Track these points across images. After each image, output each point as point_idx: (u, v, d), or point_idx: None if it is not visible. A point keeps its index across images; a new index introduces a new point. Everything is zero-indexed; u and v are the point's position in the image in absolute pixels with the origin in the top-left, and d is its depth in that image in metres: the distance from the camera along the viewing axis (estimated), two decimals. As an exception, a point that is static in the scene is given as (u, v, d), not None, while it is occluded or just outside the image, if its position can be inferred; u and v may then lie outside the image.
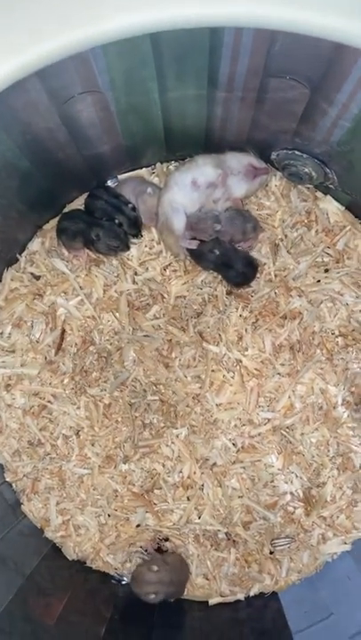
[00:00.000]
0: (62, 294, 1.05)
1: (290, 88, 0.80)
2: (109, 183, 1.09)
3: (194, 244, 1.00)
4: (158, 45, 0.70)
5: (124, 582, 1.04)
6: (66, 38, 0.54)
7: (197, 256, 1.02)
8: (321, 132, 0.88)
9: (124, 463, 1.03)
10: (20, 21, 0.54)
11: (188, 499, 1.02)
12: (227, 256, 1.01)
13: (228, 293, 1.05)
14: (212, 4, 0.49)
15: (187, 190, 1.00)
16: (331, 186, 1.02)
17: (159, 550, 1.03)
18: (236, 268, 1.01)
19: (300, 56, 0.73)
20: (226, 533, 1.02)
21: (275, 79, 0.78)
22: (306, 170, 0.98)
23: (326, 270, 1.05)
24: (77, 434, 1.05)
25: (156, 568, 0.95)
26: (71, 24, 0.53)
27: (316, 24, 0.48)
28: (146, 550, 1.02)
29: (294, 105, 0.84)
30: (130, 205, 1.03)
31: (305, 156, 0.96)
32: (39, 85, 0.71)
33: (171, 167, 1.08)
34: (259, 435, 1.02)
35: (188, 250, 1.02)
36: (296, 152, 0.96)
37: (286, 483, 1.02)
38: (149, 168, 1.09)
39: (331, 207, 1.05)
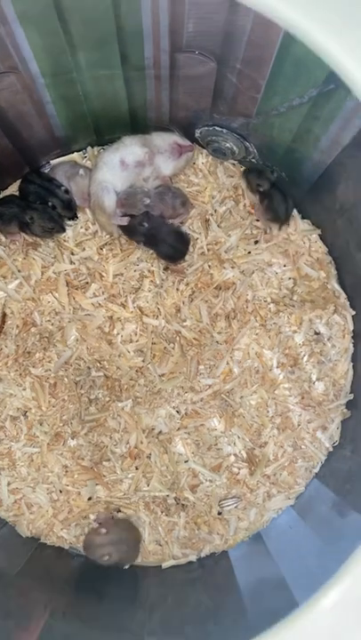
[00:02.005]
0: (1, 278, 1.07)
1: (199, 63, 0.85)
2: (43, 169, 1.12)
3: (125, 220, 1.04)
4: (63, 15, 0.73)
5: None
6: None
7: (129, 230, 1.06)
8: (234, 105, 0.93)
9: (73, 439, 1.06)
10: None
11: (137, 468, 1.05)
12: (157, 229, 1.05)
13: (165, 269, 1.09)
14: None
15: (116, 170, 1.03)
16: (253, 160, 1.07)
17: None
18: (167, 242, 1.05)
19: (204, 30, 0.78)
20: (175, 498, 1.05)
21: (183, 54, 0.83)
22: (227, 145, 1.04)
23: (256, 242, 1.10)
24: (25, 414, 1.07)
25: (104, 530, 0.98)
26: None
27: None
28: (98, 522, 1.04)
29: (206, 80, 0.89)
30: (63, 188, 1.06)
31: (225, 131, 1.01)
32: None
33: (102, 150, 1.12)
34: (201, 400, 1.06)
35: (120, 227, 1.06)
36: (216, 128, 1.01)
37: (230, 445, 1.06)
38: (81, 152, 1.12)
39: (256, 181, 1.11)
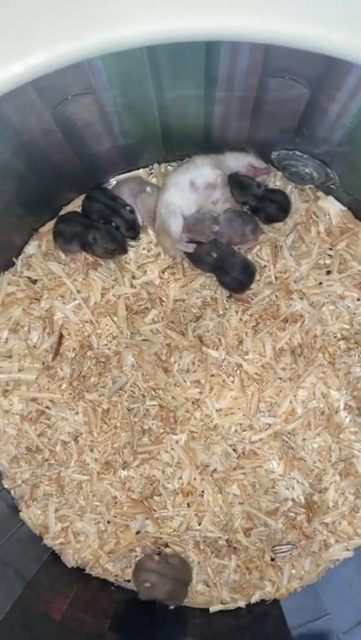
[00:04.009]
0: (59, 298, 1.04)
1: (289, 87, 0.77)
2: (107, 185, 1.07)
3: (190, 248, 0.98)
4: (153, 48, 0.68)
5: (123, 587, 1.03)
6: (62, 48, 0.52)
7: (195, 259, 1.00)
8: (321, 131, 0.86)
9: (123, 469, 1.02)
10: (15, 29, 0.52)
11: (188, 505, 1.01)
12: (224, 260, 0.99)
13: (229, 297, 1.03)
14: (208, 16, 0.47)
15: (185, 192, 0.98)
16: (333, 186, 0.99)
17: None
18: (231, 275, 0.99)
19: (299, 56, 0.70)
20: (226, 540, 1.01)
21: (274, 79, 0.76)
22: (307, 170, 0.96)
23: (328, 272, 1.03)
24: (76, 439, 1.03)
25: (157, 558, 0.96)
26: (68, 34, 0.51)
27: (317, 39, 0.46)
28: (143, 552, 1.01)
29: (294, 104, 0.81)
30: (127, 208, 1.01)
31: (306, 156, 0.94)
32: (30, 90, 0.69)
33: (169, 168, 1.06)
34: (260, 440, 1.01)
35: (185, 252, 1.00)
36: (297, 152, 0.94)
37: (288, 489, 1.01)
38: (147, 169, 1.07)
39: (332, 208, 1.03)
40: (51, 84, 0.72)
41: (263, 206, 0.99)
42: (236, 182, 0.99)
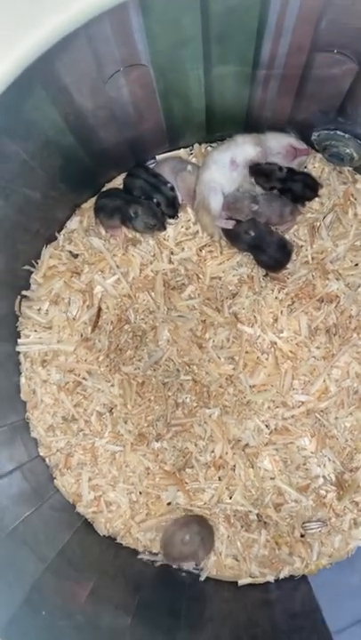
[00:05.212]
0: (99, 273, 1.06)
1: (337, 63, 0.79)
2: (148, 164, 1.09)
3: (230, 224, 1.00)
4: (207, 16, 0.70)
5: (153, 559, 1.05)
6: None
7: (232, 237, 1.02)
8: (365, 109, 0.87)
9: (157, 441, 1.04)
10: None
11: (220, 479, 1.02)
12: (261, 239, 1.00)
13: (265, 275, 1.05)
14: None
15: (225, 169, 1.00)
16: (372, 168, 1.01)
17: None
18: (268, 253, 1.00)
19: (350, 29, 0.72)
20: (257, 515, 1.02)
21: (321, 54, 0.78)
22: (348, 150, 0.97)
23: (365, 254, 1.04)
24: (111, 411, 1.06)
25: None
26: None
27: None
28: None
29: (340, 81, 0.83)
30: (168, 185, 1.03)
31: (347, 136, 0.95)
32: (88, 52, 0.71)
33: (209, 148, 1.08)
34: (292, 417, 1.02)
35: (223, 230, 1.02)
36: (338, 132, 0.96)
37: (319, 466, 1.01)
38: (187, 149, 1.09)
39: (371, 190, 1.04)
40: (104, 51, 0.74)
41: (289, 187, 1.00)
42: (259, 172, 1.00)
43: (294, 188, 1.00)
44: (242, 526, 1.02)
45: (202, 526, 1.00)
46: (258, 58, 0.81)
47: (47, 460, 1.07)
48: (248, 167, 1.00)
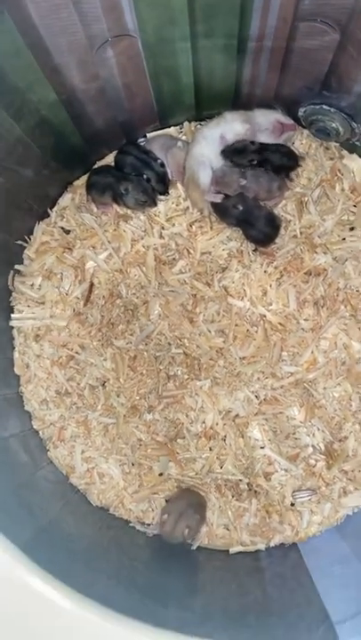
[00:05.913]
0: (91, 248, 1.08)
1: (319, 34, 0.81)
2: (139, 141, 1.11)
3: (218, 198, 1.02)
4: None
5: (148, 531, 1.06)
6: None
7: (221, 211, 1.04)
8: (349, 82, 0.89)
9: (149, 413, 1.06)
10: None
11: (211, 449, 1.04)
12: (249, 213, 1.02)
13: (254, 250, 1.07)
14: None
15: (215, 145, 1.02)
16: (357, 142, 1.02)
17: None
18: (257, 227, 1.02)
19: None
20: (247, 484, 1.03)
21: (304, 24, 0.80)
22: (333, 125, 0.99)
23: (352, 229, 1.06)
24: (103, 385, 1.07)
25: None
26: None
27: None
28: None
29: (324, 53, 0.85)
30: (159, 161, 1.05)
31: (333, 110, 0.97)
32: (76, 20, 0.73)
33: (198, 126, 1.10)
34: (281, 387, 1.03)
35: (212, 205, 1.04)
36: (324, 106, 0.98)
37: (308, 435, 1.03)
38: (178, 127, 1.11)
39: (356, 165, 1.06)
40: (92, 20, 0.76)
41: (266, 157, 1.02)
42: (231, 151, 1.01)
43: (271, 158, 1.02)
44: (233, 495, 1.03)
45: (197, 507, 1.01)
46: (244, 30, 0.83)
47: (41, 432, 1.08)
48: (220, 152, 1.01)
